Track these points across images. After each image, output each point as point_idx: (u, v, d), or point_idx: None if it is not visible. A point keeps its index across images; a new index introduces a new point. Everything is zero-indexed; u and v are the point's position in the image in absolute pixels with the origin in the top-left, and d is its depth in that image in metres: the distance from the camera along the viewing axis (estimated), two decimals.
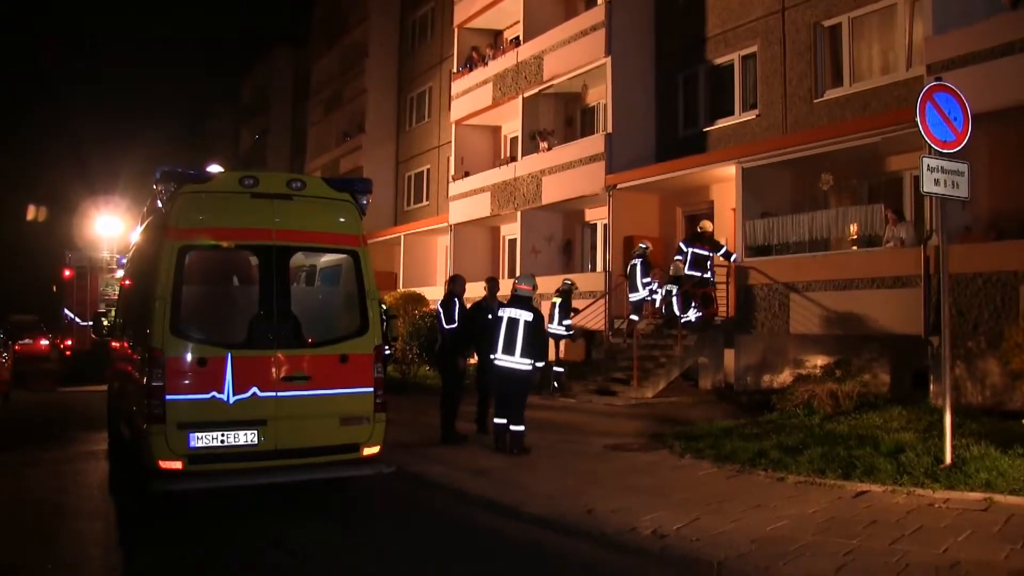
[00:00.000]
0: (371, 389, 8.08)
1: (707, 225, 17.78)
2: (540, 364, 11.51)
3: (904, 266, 13.70)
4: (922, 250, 13.19)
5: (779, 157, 16.40)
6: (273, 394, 7.58)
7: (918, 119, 8.95)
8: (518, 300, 11.36)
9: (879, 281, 14.14)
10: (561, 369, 17.69)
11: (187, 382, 7.35)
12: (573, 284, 18.13)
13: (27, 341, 34.76)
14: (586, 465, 10.43)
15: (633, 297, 17.86)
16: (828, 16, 17.38)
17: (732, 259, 16.99)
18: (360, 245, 8.40)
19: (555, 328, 17.34)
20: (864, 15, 16.89)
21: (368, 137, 35.93)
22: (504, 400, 11.35)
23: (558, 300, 17.62)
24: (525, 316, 11.14)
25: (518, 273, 23.70)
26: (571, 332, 17.72)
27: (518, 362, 11.10)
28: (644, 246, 17.99)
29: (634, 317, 17.80)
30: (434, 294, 24.26)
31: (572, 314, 17.72)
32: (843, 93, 17.00)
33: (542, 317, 11.50)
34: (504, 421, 11.29)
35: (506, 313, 11.24)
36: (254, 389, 7.50)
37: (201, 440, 7.33)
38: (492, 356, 11.23)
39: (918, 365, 13.45)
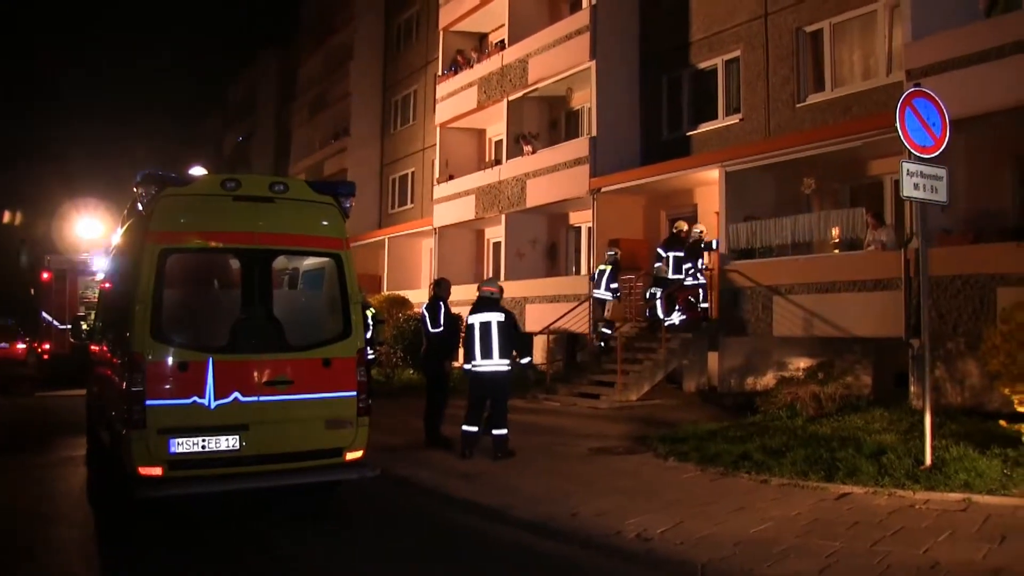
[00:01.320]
0: (354, 393, 8.06)
1: (682, 225, 17.83)
2: (525, 361, 11.51)
3: (885, 269, 13.76)
4: (902, 253, 13.23)
5: (762, 161, 16.46)
6: (255, 399, 7.54)
7: (898, 124, 9.01)
8: (485, 303, 11.35)
9: (860, 284, 14.20)
10: (609, 331, 18.36)
11: (168, 387, 7.30)
12: (616, 253, 18.72)
13: (3, 345, 34.34)
14: (571, 468, 10.43)
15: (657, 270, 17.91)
16: (810, 22, 17.45)
17: (715, 246, 17.13)
18: (343, 248, 8.38)
19: (601, 293, 18.26)
20: (845, 21, 16.97)
21: (353, 139, 35.79)
22: (480, 405, 11.32)
23: (607, 268, 18.30)
24: (496, 317, 11.13)
25: (503, 275, 23.74)
26: (617, 295, 18.40)
27: (497, 364, 11.10)
28: (693, 229, 17.92)
29: (655, 290, 17.71)
30: (418, 297, 24.30)
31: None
32: (825, 98, 17.07)
33: (514, 316, 11.55)
34: (474, 428, 11.26)
35: (477, 319, 11.21)
36: (236, 394, 7.45)
37: (182, 446, 7.27)
38: (472, 364, 11.21)
39: (899, 367, 13.49)
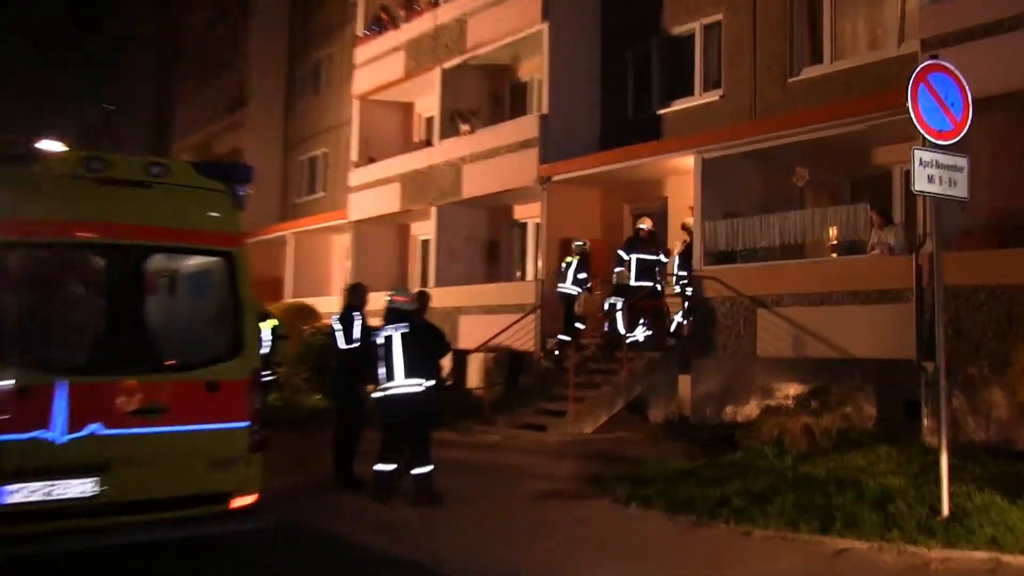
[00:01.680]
0: (246, 424, 7.93)
1: (646, 222, 17.94)
2: (432, 382, 11.46)
3: (892, 277, 13.86)
4: (914, 258, 13.34)
5: (746, 146, 16.54)
6: (119, 431, 7.30)
7: (909, 104, 9.05)
8: (394, 315, 11.36)
9: (863, 295, 14.30)
10: (570, 338, 18.43)
11: (2, 419, 6.98)
12: (586, 244, 18.95)
13: None
14: (511, 516, 10.40)
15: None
16: None
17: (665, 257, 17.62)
18: (236, 245, 8.28)
19: (568, 288, 18.51)
20: None
21: (251, 112, 35.45)
22: (393, 437, 11.24)
23: (575, 260, 18.53)
24: (401, 329, 11.15)
25: (432, 280, 23.58)
26: (587, 287, 18.72)
27: (403, 385, 11.05)
28: (685, 223, 18.17)
29: (614, 300, 17.80)
30: (329, 306, 24.02)
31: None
32: (823, 72, 17.22)
33: (428, 327, 11.60)
34: (389, 467, 11.17)
35: (381, 334, 11.29)
36: (94, 426, 7.19)
37: (18, 494, 6.95)
38: (381, 389, 11.22)
39: (909, 395, 13.61)
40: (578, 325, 18.65)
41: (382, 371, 11.16)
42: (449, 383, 19.84)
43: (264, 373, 9.98)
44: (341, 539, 9.49)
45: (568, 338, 18.38)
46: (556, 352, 18.73)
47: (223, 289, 8.26)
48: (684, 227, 17.97)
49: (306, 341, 21.25)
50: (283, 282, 30.60)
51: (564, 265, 18.82)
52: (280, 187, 35.08)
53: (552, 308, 19.64)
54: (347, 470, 12.04)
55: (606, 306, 17.89)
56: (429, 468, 11.03)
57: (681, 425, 16.78)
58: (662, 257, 17.62)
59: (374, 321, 12.56)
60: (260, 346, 9.54)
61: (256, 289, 8.65)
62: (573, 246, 18.93)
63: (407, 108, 28.81)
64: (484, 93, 25.35)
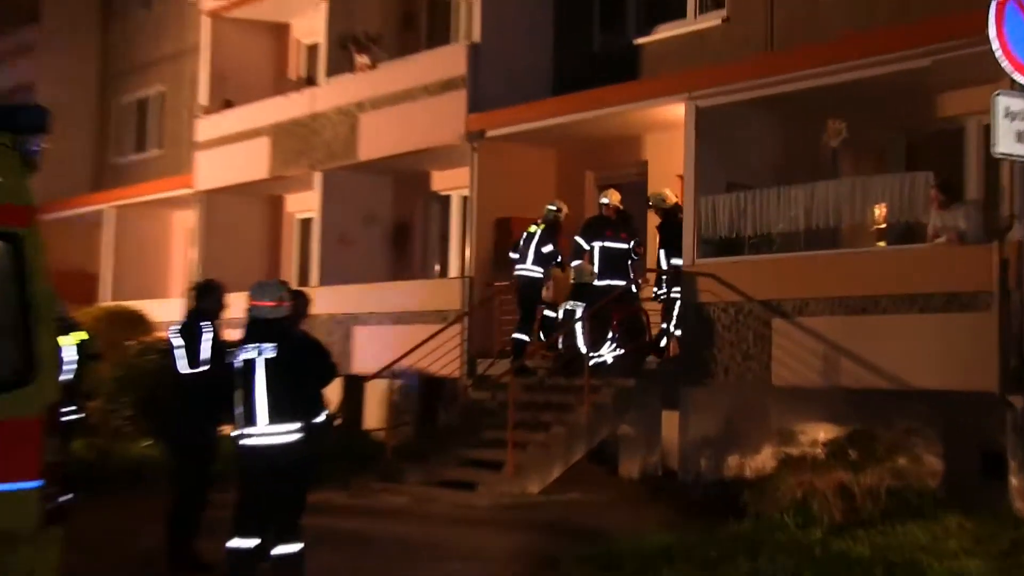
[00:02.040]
0: (36, 484, 7.56)
1: (612, 196, 18.07)
2: (319, 419, 11.33)
3: (965, 275, 13.93)
4: (995, 249, 13.41)
5: (759, 90, 16.61)
6: None
7: (992, 30, 9.01)
8: (256, 327, 11.11)
9: (922, 300, 14.36)
10: (525, 338, 18.79)
11: None
12: (560, 209, 19.11)
13: None
14: None
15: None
16: None
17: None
18: (24, 224, 7.90)
19: (529, 268, 18.79)
20: None
21: (47, 31, 35.37)
22: (255, 502, 10.96)
23: (538, 230, 18.68)
24: (265, 352, 10.91)
25: (316, 276, 23.42)
26: (557, 262, 18.84)
27: (267, 432, 10.82)
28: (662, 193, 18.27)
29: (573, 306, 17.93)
30: (166, 313, 23.82)
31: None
32: None
33: (305, 344, 11.46)
34: (249, 543, 10.84)
35: (240, 356, 11.03)
36: None
37: None
38: (237, 435, 11.00)
39: (990, 442, 13.67)
40: (549, 314, 18.77)
41: (239, 410, 10.96)
42: (337, 422, 19.69)
43: (66, 409, 9.75)
44: None
45: (526, 337, 18.52)
46: (520, 358, 18.78)
47: (4, 287, 7.91)
48: (650, 203, 17.93)
49: (131, 363, 21.02)
50: (97, 278, 30.62)
51: (524, 236, 18.83)
52: (93, 141, 35.13)
53: (484, 315, 19.57)
54: (186, 548, 11.89)
55: (561, 314, 17.81)
56: (298, 547, 10.81)
57: (666, 482, 16.90)
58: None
59: (233, 335, 12.39)
60: (60, 370, 9.28)
61: (56, 287, 8.38)
62: (545, 210, 19.00)
63: (280, 31, 28.94)
64: (391, 12, 25.46)
